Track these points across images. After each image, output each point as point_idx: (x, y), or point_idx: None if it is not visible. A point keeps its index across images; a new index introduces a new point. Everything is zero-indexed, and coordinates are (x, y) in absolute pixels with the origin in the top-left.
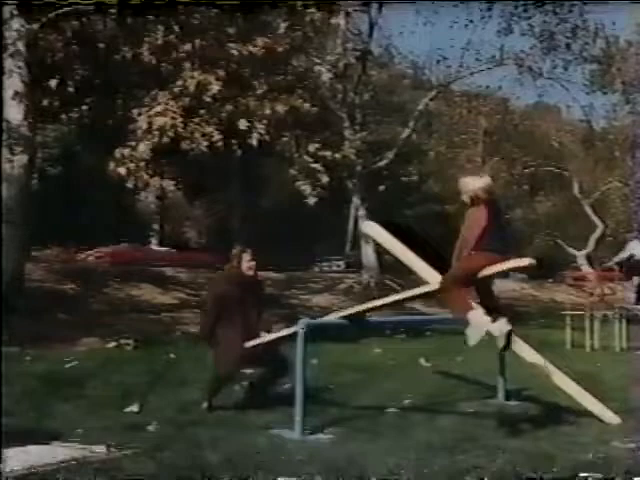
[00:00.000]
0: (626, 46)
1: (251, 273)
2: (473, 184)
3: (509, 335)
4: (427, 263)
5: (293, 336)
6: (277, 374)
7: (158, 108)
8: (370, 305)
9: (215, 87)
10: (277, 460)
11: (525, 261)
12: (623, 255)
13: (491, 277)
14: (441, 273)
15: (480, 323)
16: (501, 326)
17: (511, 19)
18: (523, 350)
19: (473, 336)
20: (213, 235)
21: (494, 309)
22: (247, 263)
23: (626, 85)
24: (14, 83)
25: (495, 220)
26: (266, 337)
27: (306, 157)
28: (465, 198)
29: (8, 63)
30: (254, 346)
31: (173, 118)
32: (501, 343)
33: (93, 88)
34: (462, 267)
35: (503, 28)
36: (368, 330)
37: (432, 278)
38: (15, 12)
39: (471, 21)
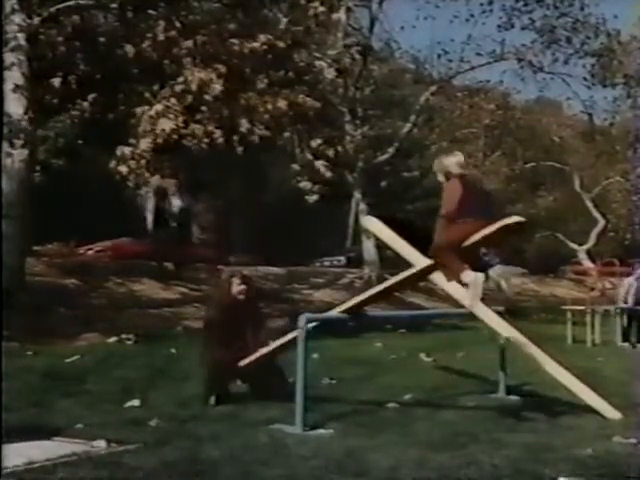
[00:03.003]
0: (628, 39)
1: (242, 297)
2: (446, 161)
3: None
4: (428, 258)
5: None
6: (274, 384)
7: (159, 107)
8: (367, 295)
9: (217, 87)
10: (278, 455)
11: (512, 219)
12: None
13: (480, 243)
14: None
15: (475, 279)
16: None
17: (512, 13)
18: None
19: (473, 296)
20: (214, 230)
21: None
22: (237, 287)
23: (628, 79)
24: (15, 77)
25: (472, 190)
26: (261, 351)
27: (307, 154)
28: (440, 177)
29: (9, 57)
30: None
31: (175, 117)
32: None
33: (94, 83)
34: (446, 237)
35: (504, 22)
36: (369, 325)
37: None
38: (16, 7)
39: (472, 15)
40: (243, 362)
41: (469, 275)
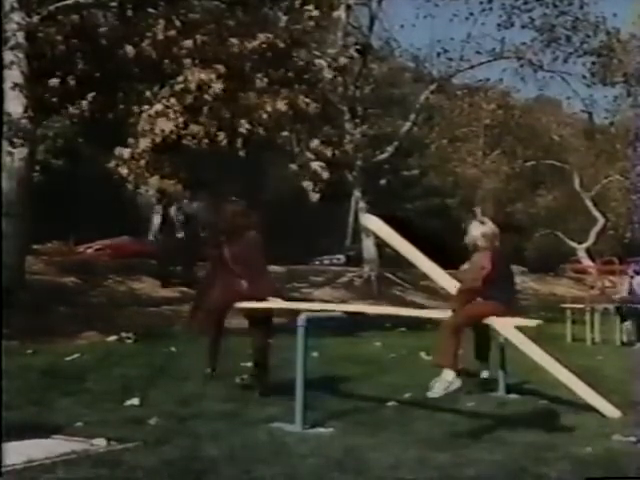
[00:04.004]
0: (628, 38)
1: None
2: (474, 232)
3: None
4: (427, 256)
5: (293, 328)
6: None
7: (159, 106)
8: (373, 309)
9: (217, 87)
10: (278, 453)
11: (533, 322)
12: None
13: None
14: (441, 266)
15: (447, 383)
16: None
17: (511, 12)
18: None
19: (435, 390)
20: (214, 230)
21: (484, 358)
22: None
23: (627, 77)
24: (14, 76)
25: (499, 268)
26: (265, 304)
27: (307, 153)
28: (469, 244)
29: (8, 56)
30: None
31: (175, 117)
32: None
33: (93, 82)
34: (466, 314)
35: (503, 21)
36: (368, 323)
37: (432, 272)
38: (15, 5)
39: (471, 14)
40: (242, 304)
41: (447, 374)
